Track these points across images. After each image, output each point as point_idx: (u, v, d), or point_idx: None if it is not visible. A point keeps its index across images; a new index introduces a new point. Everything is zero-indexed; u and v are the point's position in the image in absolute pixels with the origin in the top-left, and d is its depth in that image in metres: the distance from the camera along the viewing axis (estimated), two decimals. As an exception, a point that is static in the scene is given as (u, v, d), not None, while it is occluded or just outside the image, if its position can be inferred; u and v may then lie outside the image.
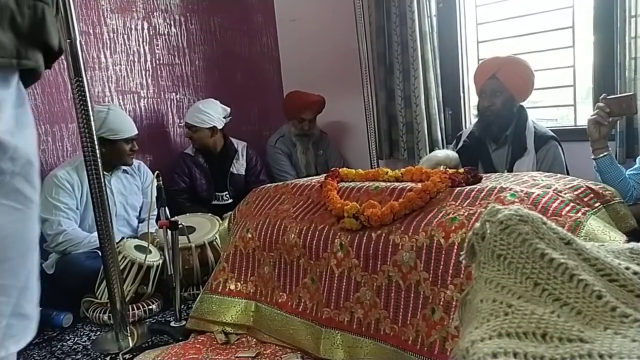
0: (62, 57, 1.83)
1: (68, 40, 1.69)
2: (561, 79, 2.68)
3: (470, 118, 2.91)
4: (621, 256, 0.59)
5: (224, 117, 2.93)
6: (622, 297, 0.51)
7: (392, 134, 3.07)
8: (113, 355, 1.73)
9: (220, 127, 2.91)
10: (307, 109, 3.09)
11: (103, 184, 1.73)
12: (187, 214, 2.49)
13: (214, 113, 2.91)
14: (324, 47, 3.37)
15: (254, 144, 3.20)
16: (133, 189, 2.50)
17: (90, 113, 1.72)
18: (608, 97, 1.95)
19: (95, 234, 1.79)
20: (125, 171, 2.51)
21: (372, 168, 2.92)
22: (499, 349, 0.43)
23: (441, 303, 1.29)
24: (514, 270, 0.54)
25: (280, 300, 1.66)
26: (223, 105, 2.96)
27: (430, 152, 2.76)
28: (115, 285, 1.79)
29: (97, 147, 1.71)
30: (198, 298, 1.84)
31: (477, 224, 0.62)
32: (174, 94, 3.15)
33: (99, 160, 1.71)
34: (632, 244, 0.62)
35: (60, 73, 2.62)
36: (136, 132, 2.47)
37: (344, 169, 1.93)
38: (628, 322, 0.48)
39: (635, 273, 0.54)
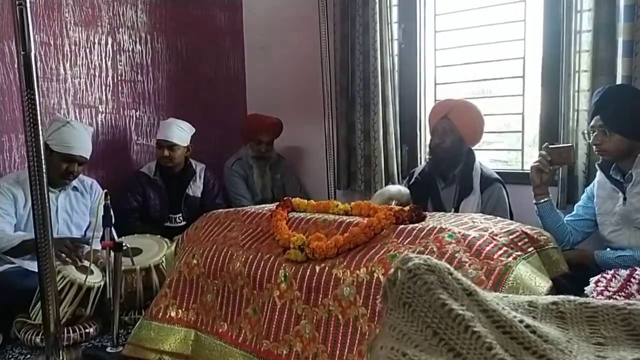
0: (17, 66, 1.80)
1: (23, 52, 1.66)
2: (511, 124, 2.82)
3: (425, 156, 3.00)
4: (519, 309, 0.62)
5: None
6: (512, 349, 0.54)
7: (350, 165, 3.12)
8: (41, 381, 1.65)
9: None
10: (264, 131, 3.13)
11: (46, 200, 1.68)
12: (136, 235, 2.44)
13: (189, 131, 2.91)
14: (289, 75, 3.43)
15: (213, 166, 3.19)
16: (81, 208, 2.43)
17: (40, 128, 1.67)
18: (550, 146, 2.06)
19: (21, 233, 1.90)
20: (76, 189, 2.44)
21: (329, 197, 2.97)
22: (384, 398, 0.45)
23: (376, 340, 1.30)
24: (417, 319, 0.57)
25: (220, 330, 1.64)
26: (189, 125, 2.96)
27: (386, 185, 2.82)
28: (50, 307, 1.72)
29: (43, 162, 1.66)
30: (137, 324, 1.79)
31: (391, 270, 0.64)
32: (134, 110, 3.12)
33: (44, 175, 1.66)
34: (532, 297, 0.65)
35: (15, 82, 2.56)
36: (82, 155, 2.33)
37: (297, 199, 1.95)
38: (511, 375, 0.51)
39: (527, 326, 0.57)
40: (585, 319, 0.60)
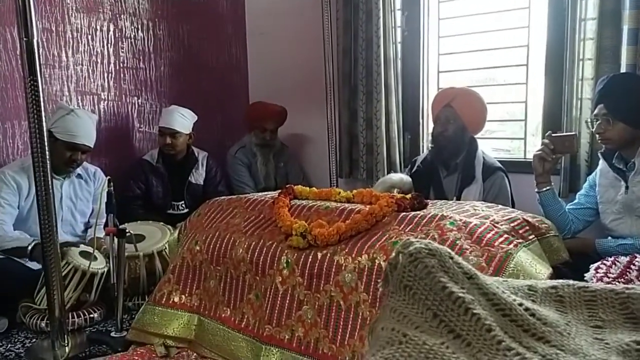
0: (19, 53, 1.79)
1: (25, 39, 1.66)
2: (515, 112, 2.81)
3: (427, 144, 2.99)
4: (519, 292, 0.63)
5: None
6: (511, 331, 0.55)
7: (352, 153, 3.12)
8: (46, 364, 1.67)
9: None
10: (269, 119, 3.12)
11: (50, 186, 1.69)
12: (139, 222, 2.45)
13: (191, 119, 2.91)
14: (292, 62, 3.42)
15: (215, 154, 3.19)
16: (84, 195, 2.45)
17: (43, 114, 1.68)
18: (553, 134, 2.05)
19: (17, 234, 1.92)
20: (80, 176, 2.45)
21: (331, 185, 2.97)
22: (384, 377, 0.46)
23: (377, 325, 1.32)
24: (417, 301, 0.58)
25: (223, 315, 1.66)
26: (192, 112, 2.96)
27: (388, 173, 2.82)
28: (55, 292, 1.74)
29: (47, 148, 1.67)
30: (141, 309, 1.81)
31: (393, 254, 0.65)
32: (136, 98, 3.12)
33: (47, 161, 1.67)
34: (532, 281, 0.66)
35: (17, 69, 2.56)
36: (86, 144, 2.33)
37: (299, 186, 1.96)
38: (510, 355, 0.51)
39: (526, 309, 0.58)
40: (584, 302, 0.61)
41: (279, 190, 1.94)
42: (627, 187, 1.91)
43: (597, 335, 0.56)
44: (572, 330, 0.57)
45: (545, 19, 2.49)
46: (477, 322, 0.54)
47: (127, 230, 1.85)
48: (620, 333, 0.56)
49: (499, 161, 2.36)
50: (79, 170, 2.43)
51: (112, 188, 1.90)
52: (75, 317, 1.96)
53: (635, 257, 1.44)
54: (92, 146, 2.40)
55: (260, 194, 2.07)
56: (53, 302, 1.73)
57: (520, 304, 0.58)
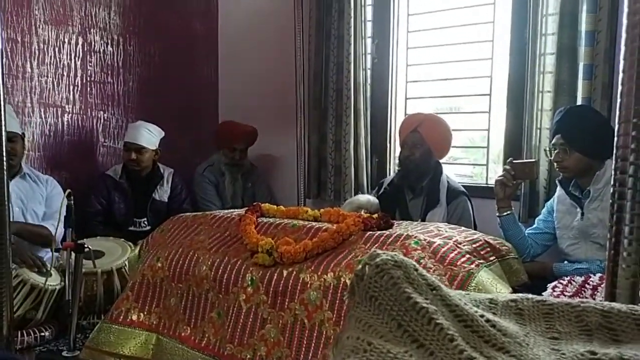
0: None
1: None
2: (477, 139, 2.91)
3: (394, 167, 3.05)
4: (481, 305, 0.65)
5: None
6: (472, 341, 0.56)
7: (321, 175, 3.14)
8: (-10, 386, 1.57)
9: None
10: (239, 139, 3.12)
11: (5, 192, 1.61)
12: (99, 237, 2.37)
13: (158, 135, 2.87)
14: (263, 84, 3.44)
15: (182, 172, 3.14)
16: (36, 197, 2.38)
17: (3, 124, 1.62)
18: (514, 161, 2.14)
19: None
20: (27, 176, 2.39)
21: (299, 206, 2.97)
22: (348, 383, 0.45)
23: (341, 344, 1.31)
24: (382, 311, 0.58)
25: (183, 334, 1.61)
26: (159, 128, 2.92)
27: (355, 195, 2.85)
28: (4, 309, 1.65)
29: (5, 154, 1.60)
30: (96, 327, 1.73)
31: (359, 266, 0.66)
32: (102, 112, 3.06)
33: (4, 168, 1.60)
34: (493, 295, 0.68)
35: (-22, 77, 2.48)
36: (12, 130, 2.19)
37: (266, 204, 1.95)
38: (471, 364, 0.52)
39: (487, 321, 0.59)
40: (542, 315, 0.63)
41: (246, 208, 1.92)
42: (582, 214, 1.99)
43: (554, 346, 0.58)
44: (530, 341, 0.58)
45: (508, 52, 2.61)
46: (440, 332, 0.55)
47: (85, 246, 1.79)
48: (575, 344, 0.58)
49: (462, 186, 2.43)
50: (25, 170, 2.39)
51: (72, 202, 1.84)
52: (25, 335, 1.86)
53: (590, 277, 1.50)
54: (16, 131, 2.29)
55: (226, 211, 2.05)
56: (2, 319, 1.64)
57: (482, 316, 0.60)
